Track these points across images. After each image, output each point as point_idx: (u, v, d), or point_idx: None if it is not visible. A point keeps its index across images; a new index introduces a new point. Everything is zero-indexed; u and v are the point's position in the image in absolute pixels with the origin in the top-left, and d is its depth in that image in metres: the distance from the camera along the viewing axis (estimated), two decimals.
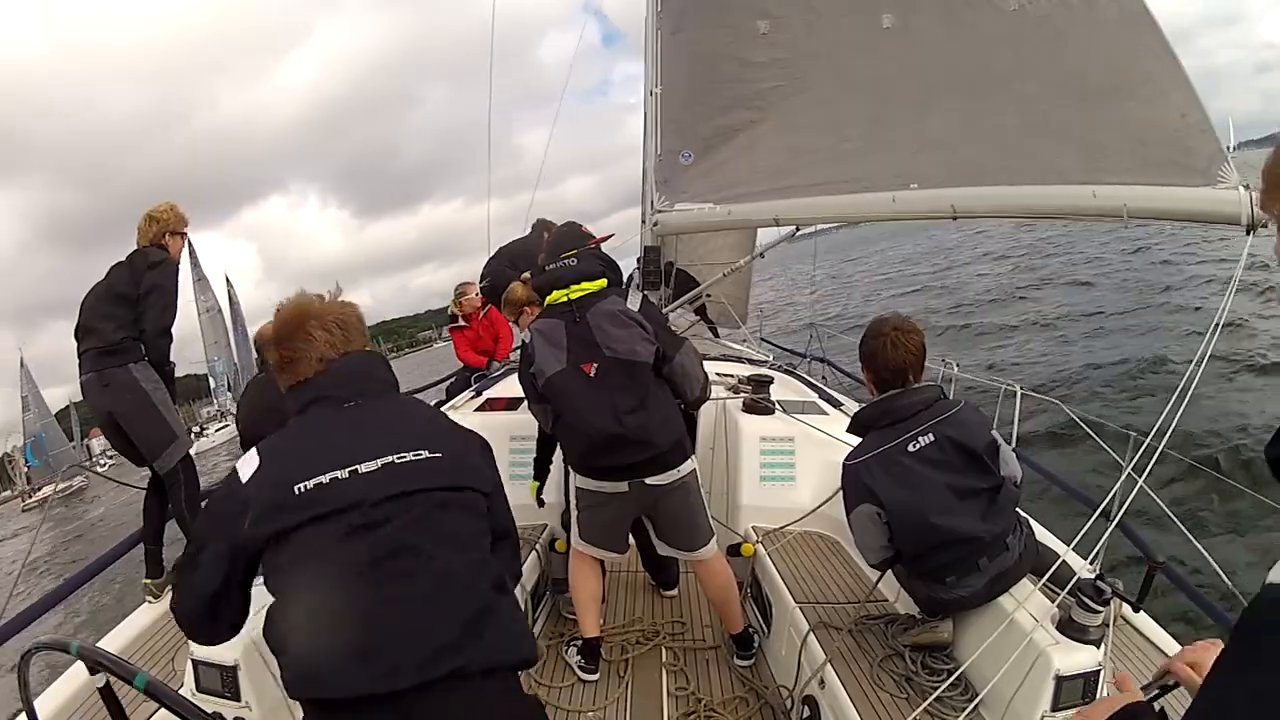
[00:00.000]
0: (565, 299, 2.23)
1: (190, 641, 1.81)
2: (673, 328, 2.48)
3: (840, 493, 3.01)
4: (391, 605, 1.09)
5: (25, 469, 45.80)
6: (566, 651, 2.52)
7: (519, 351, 2.41)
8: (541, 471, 2.84)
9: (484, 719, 1.09)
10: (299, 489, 1.12)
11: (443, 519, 1.17)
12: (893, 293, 22.23)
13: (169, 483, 2.78)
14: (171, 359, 2.90)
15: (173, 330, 2.89)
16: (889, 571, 2.21)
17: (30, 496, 41.83)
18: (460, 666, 1.06)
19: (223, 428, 39.59)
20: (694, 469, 2.32)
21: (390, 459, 1.16)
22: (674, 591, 2.87)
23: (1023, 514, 2.07)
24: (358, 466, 1.15)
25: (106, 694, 1.23)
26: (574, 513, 2.40)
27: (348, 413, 1.23)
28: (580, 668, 2.41)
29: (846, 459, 2.12)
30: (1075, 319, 12.23)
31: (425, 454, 1.19)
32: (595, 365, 2.16)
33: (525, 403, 2.71)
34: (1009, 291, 16.40)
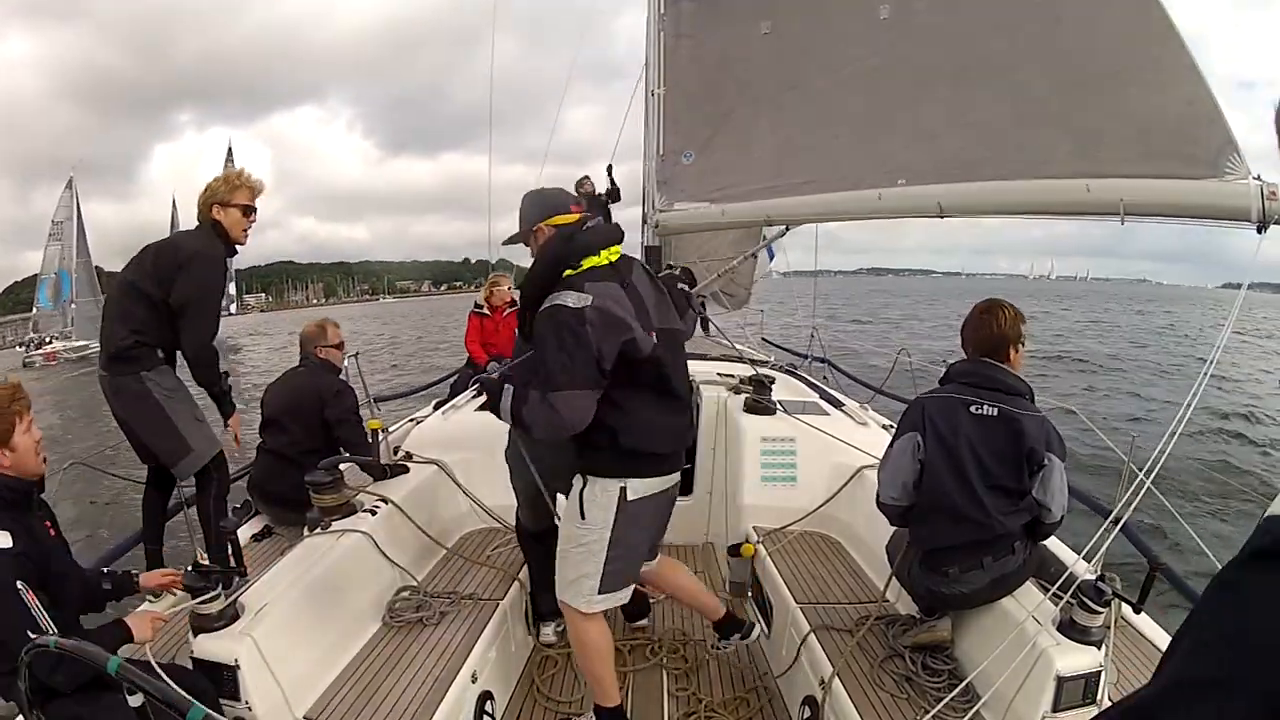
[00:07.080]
0: (607, 262, 1.91)
1: (191, 641, 1.81)
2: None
3: (839, 493, 3.05)
4: None
5: (35, 310, 34.80)
6: None
7: (566, 323, 1.78)
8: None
9: None
10: None
11: None
12: None
13: (199, 481, 2.58)
14: (224, 368, 2.59)
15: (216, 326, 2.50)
16: (889, 572, 2.22)
17: (34, 348, 30.39)
18: None
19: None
20: None
21: None
22: (644, 621, 2.71)
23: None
24: None
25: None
26: (609, 550, 1.95)
27: None
28: None
29: (919, 395, 2.22)
30: None
31: None
32: (654, 333, 1.90)
33: None
34: None
